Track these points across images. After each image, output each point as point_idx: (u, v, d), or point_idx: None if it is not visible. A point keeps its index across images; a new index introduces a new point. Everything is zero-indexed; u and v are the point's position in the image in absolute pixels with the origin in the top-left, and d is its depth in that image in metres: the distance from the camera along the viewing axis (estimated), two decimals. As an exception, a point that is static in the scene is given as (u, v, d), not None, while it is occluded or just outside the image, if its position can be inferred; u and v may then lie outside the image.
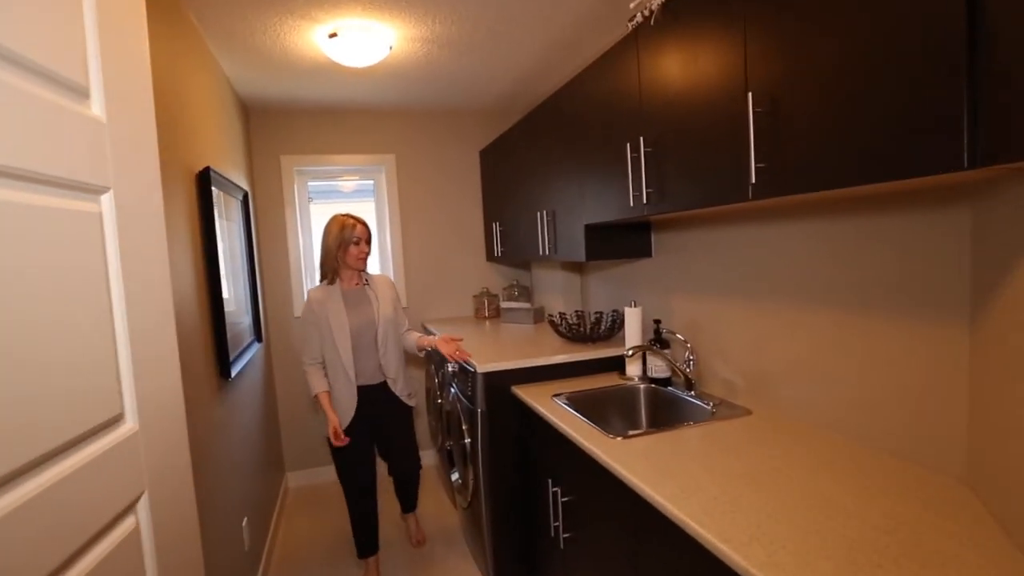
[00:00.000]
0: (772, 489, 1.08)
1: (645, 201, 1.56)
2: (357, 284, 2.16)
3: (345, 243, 2.06)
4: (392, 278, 3.27)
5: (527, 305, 2.98)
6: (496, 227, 3.06)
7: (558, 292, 2.88)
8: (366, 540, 2.24)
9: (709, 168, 1.32)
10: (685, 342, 1.78)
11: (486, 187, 3.31)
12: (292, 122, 3.07)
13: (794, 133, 1.06)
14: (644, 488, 1.12)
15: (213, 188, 1.79)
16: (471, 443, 2.08)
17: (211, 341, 1.70)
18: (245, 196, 2.42)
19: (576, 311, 2.51)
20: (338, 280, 2.12)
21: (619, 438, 1.40)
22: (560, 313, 2.45)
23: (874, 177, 0.89)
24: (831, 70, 0.96)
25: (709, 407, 1.62)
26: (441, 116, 3.32)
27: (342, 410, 2.09)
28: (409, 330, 2.30)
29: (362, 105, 3.08)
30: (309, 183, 3.25)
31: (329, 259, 2.08)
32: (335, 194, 3.38)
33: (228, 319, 1.94)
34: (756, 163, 1.16)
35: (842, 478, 1.11)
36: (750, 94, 1.16)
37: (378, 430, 2.22)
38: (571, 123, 2.05)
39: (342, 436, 2.05)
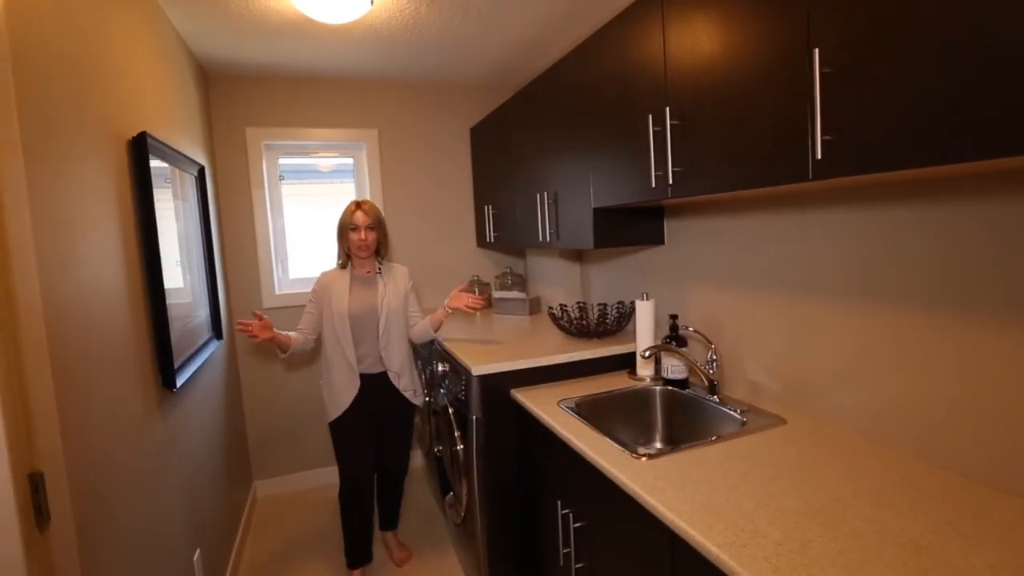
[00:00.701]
0: (843, 531, 0.89)
1: (671, 181, 1.34)
2: (369, 272, 2.10)
3: (344, 229, 2.03)
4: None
5: (522, 295, 2.76)
6: (488, 210, 2.82)
7: (557, 282, 2.67)
8: (358, 545, 2.10)
9: (755, 142, 1.10)
10: (708, 341, 1.59)
11: (477, 167, 3.05)
12: (260, 90, 2.75)
13: (881, 96, 0.85)
14: (692, 533, 0.92)
15: (153, 158, 1.51)
16: (464, 453, 1.88)
17: (150, 346, 1.43)
18: (201, 172, 2.13)
19: (578, 303, 2.30)
20: (350, 265, 2.08)
21: (644, 458, 1.21)
22: (561, 305, 2.24)
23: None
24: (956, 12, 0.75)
25: (737, 415, 1.43)
26: (429, 89, 3.04)
27: (341, 396, 2.01)
28: (420, 320, 2.16)
29: (341, 73, 2.78)
30: (281, 160, 2.95)
31: (339, 245, 2.09)
32: (311, 174, 3.08)
33: (178, 314, 1.69)
34: (822, 135, 0.95)
35: (921, 513, 0.93)
36: (816, 51, 0.94)
37: (376, 421, 2.12)
38: (577, 95, 1.82)
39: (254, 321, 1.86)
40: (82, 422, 1.02)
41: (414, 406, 2.17)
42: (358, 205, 2.02)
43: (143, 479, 1.31)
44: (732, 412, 1.46)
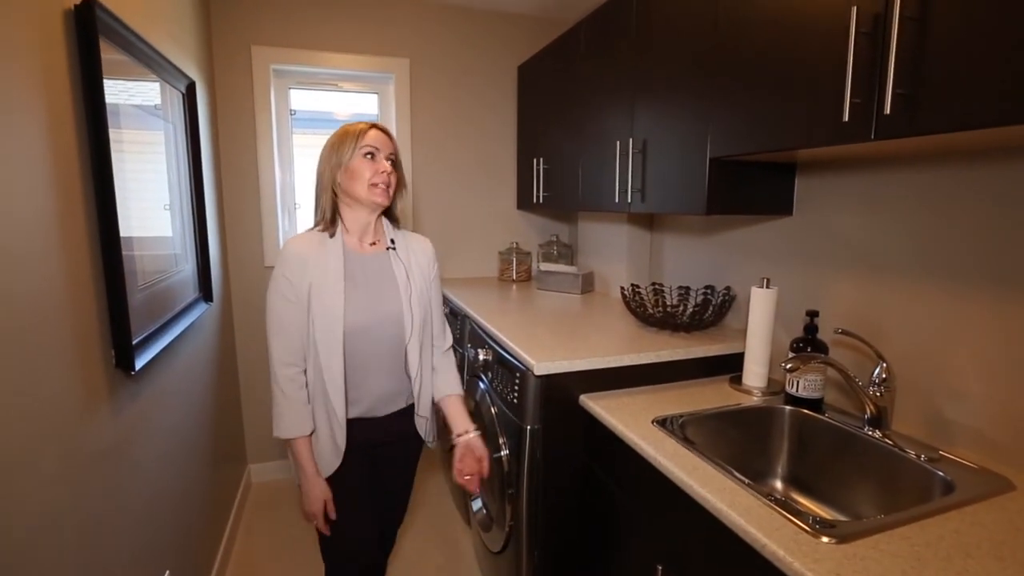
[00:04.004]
0: None
1: (886, 110, 0.86)
2: (375, 244, 1.22)
3: (344, 159, 1.14)
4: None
5: (573, 269, 2.31)
6: (538, 164, 2.34)
7: (617, 256, 2.20)
8: None
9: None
10: (877, 353, 1.13)
11: (525, 112, 2.55)
12: (269, 2, 2.25)
13: None
14: None
15: (112, 47, 1.05)
16: (511, 466, 1.46)
17: (97, 314, 1.00)
18: (191, 88, 1.67)
19: (653, 284, 1.85)
20: (341, 230, 1.18)
21: (828, 538, 0.78)
22: (633, 286, 1.79)
23: None
24: None
25: (932, 467, 0.99)
26: (472, 14, 2.52)
27: (320, 463, 1.17)
28: (447, 351, 1.34)
29: (367, -15, 2.28)
30: (291, 92, 2.47)
31: (324, 192, 1.17)
32: (326, 123, 2.59)
33: (151, 268, 1.26)
34: None
35: None
36: None
37: (376, 472, 1.29)
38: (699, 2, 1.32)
39: (329, 516, 1.16)
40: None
41: (422, 445, 1.37)
42: (371, 125, 1.18)
43: (75, 499, 0.90)
44: (919, 461, 1.02)
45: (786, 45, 1.06)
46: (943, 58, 0.79)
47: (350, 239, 1.19)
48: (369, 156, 1.15)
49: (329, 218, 1.18)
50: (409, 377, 1.22)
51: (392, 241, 1.23)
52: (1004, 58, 0.72)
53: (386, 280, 1.20)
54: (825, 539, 0.78)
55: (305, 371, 1.15)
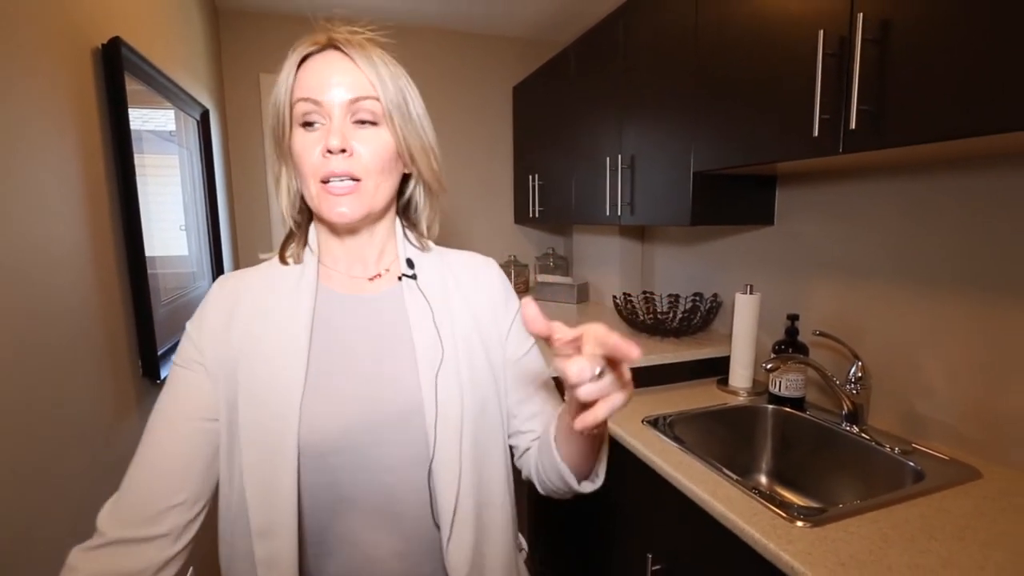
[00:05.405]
0: None
1: (852, 126, 0.93)
2: (379, 276, 0.65)
3: (281, 120, 0.60)
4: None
5: (568, 280, 2.39)
6: (533, 180, 2.42)
7: (610, 266, 2.28)
8: None
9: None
10: (853, 353, 1.20)
11: (521, 131, 2.65)
12: (277, 32, 2.36)
13: None
14: None
15: (135, 81, 1.14)
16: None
17: (125, 327, 1.08)
18: (205, 116, 1.76)
19: (645, 292, 1.92)
20: (308, 252, 0.64)
21: (803, 522, 0.84)
22: (625, 294, 1.86)
23: None
24: None
25: (903, 459, 1.06)
26: (468, 39, 2.63)
27: None
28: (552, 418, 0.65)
29: (367, 14, 2.38)
30: (297, 114, 2.57)
31: (281, 194, 0.65)
32: None
33: (171, 285, 1.33)
34: None
35: None
36: None
37: None
38: (680, 24, 1.41)
39: None
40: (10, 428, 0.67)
41: None
42: (328, 37, 0.60)
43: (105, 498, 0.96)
44: (893, 453, 1.08)
45: (761, 65, 1.14)
46: (902, 77, 0.87)
47: (331, 272, 0.65)
48: (307, 122, 0.58)
49: (294, 242, 0.65)
50: (438, 527, 0.59)
51: (410, 264, 0.65)
52: (959, 76, 0.80)
53: (393, 337, 0.62)
54: (800, 523, 0.84)
55: (186, 549, 0.60)
